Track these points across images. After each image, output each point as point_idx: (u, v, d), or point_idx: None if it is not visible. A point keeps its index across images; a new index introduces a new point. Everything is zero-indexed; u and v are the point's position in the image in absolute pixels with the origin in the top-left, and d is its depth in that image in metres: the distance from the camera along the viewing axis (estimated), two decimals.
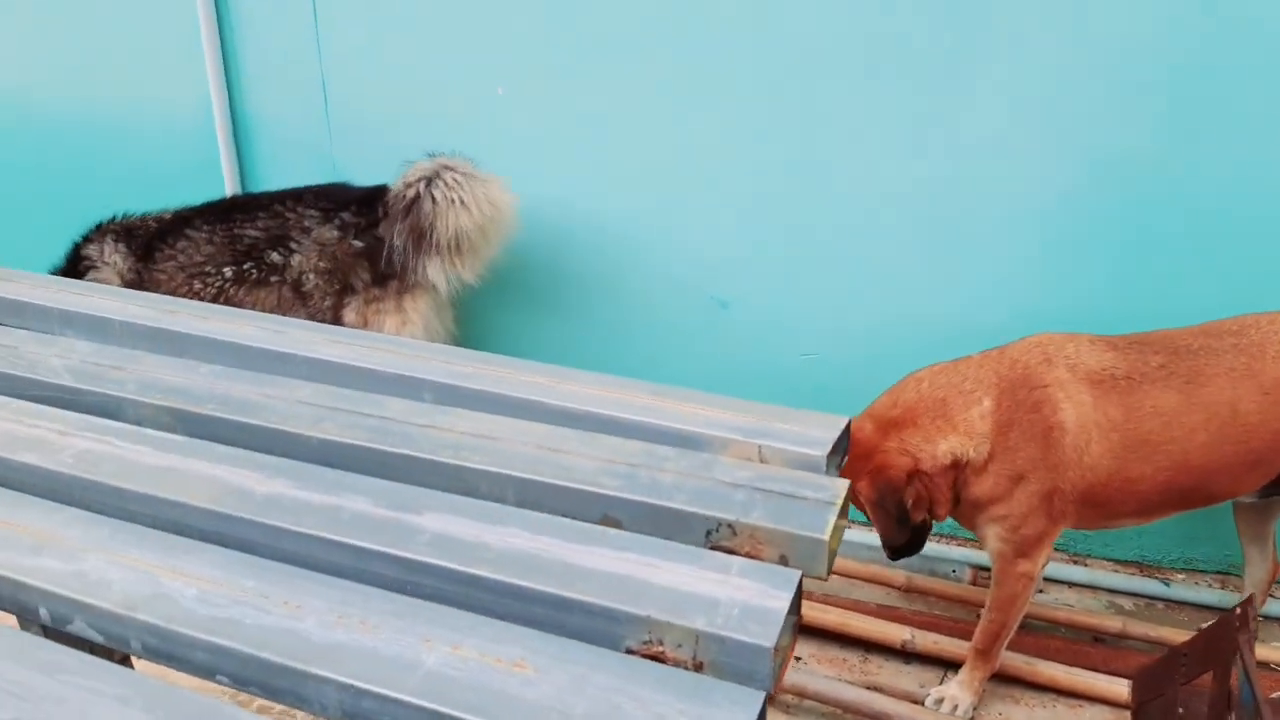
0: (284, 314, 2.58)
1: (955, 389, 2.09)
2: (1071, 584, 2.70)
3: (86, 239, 2.81)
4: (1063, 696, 2.27)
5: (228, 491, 1.07)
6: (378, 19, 2.91)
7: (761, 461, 1.17)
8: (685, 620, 0.90)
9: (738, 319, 2.85)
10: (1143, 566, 2.75)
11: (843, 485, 1.09)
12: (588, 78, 2.76)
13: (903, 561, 2.29)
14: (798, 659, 2.39)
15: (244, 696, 1.02)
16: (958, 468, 2.07)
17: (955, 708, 2.20)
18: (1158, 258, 2.46)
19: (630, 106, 2.75)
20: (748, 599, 0.93)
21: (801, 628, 1.40)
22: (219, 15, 3.03)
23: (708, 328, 2.89)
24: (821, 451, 1.16)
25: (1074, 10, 2.33)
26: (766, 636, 0.88)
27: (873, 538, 2.27)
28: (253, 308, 2.66)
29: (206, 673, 0.89)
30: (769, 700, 0.86)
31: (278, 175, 3.13)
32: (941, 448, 2.05)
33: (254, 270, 2.71)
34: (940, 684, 2.30)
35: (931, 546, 2.34)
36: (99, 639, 0.93)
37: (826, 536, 1.01)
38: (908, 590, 2.63)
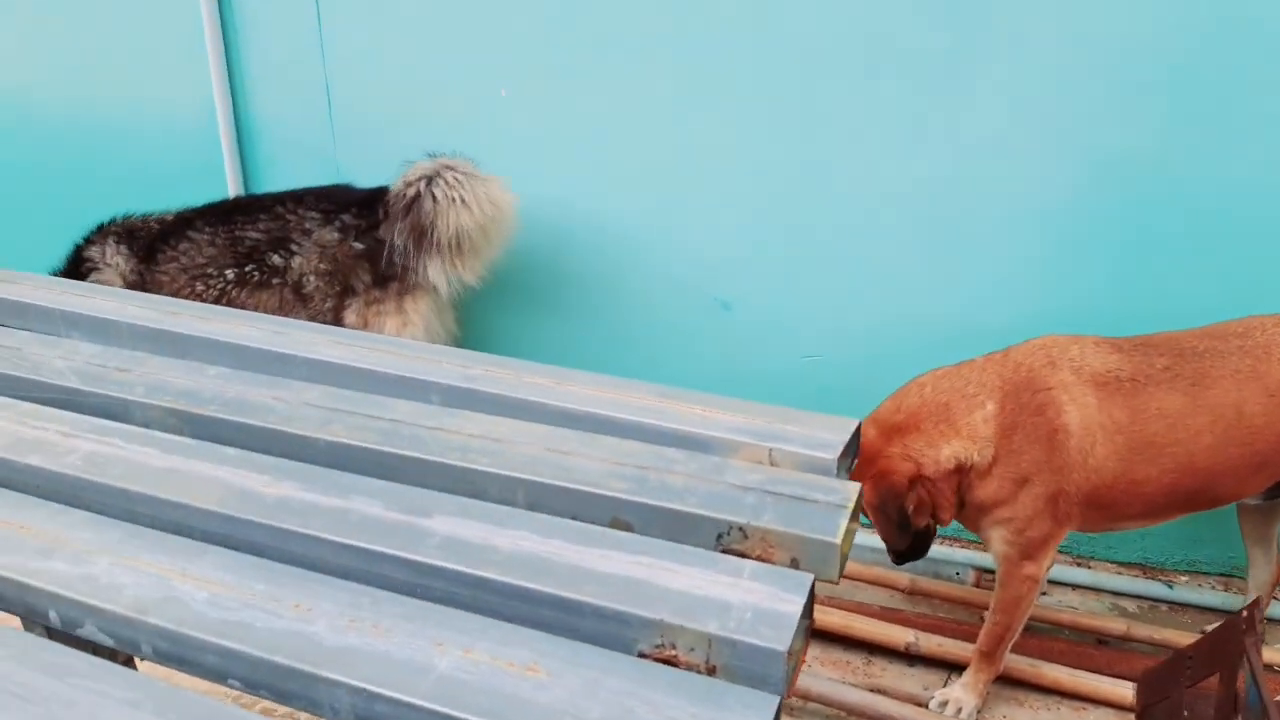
0: (285, 316, 2.58)
1: (958, 393, 2.08)
2: (1075, 586, 2.70)
3: (88, 240, 2.81)
4: (1067, 699, 2.27)
5: (235, 494, 1.07)
6: (380, 21, 2.91)
7: (772, 464, 1.16)
8: (698, 624, 0.90)
9: (739, 320, 2.85)
10: (1146, 569, 2.75)
11: (854, 488, 1.09)
12: (589, 78, 2.76)
13: (906, 564, 2.29)
14: None
15: (249, 699, 1.01)
16: (961, 472, 2.06)
17: (959, 710, 2.20)
18: (1160, 258, 2.46)
19: (631, 107, 2.75)
20: (760, 602, 0.92)
21: None
22: (222, 16, 3.03)
23: (709, 329, 2.88)
24: (832, 454, 1.15)
25: (1074, 10, 2.33)
26: (780, 640, 0.88)
27: (876, 540, 2.27)
28: (254, 310, 2.65)
29: (218, 676, 0.89)
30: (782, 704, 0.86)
31: (280, 176, 3.12)
32: (944, 452, 2.05)
33: (255, 272, 2.71)
34: (944, 686, 2.30)
35: (935, 549, 2.34)
36: (110, 643, 0.93)
37: (838, 540, 1.01)
38: (911, 592, 2.63)
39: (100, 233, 2.81)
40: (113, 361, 1.38)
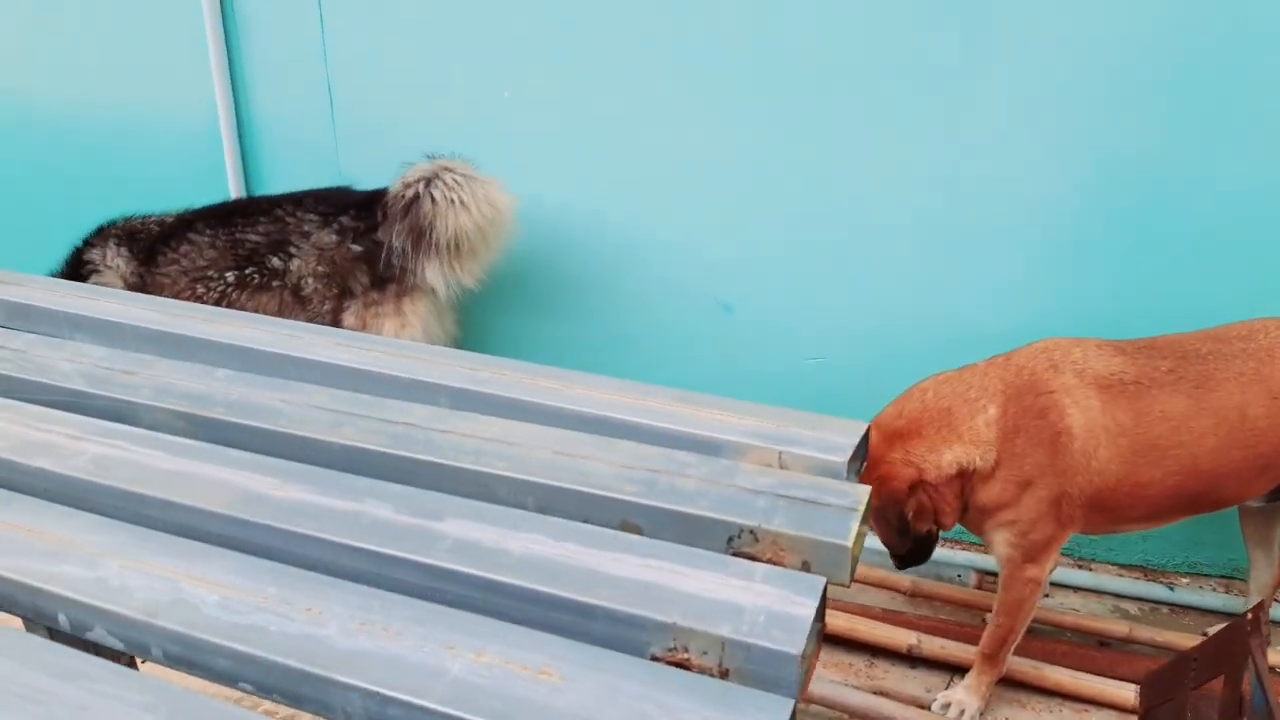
0: (285, 318, 2.58)
1: (960, 397, 2.08)
2: (1077, 589, 2.70)
3: (89, 243, 2.80)
4: (1069, 701, 2.27)
5: (245, 497, 1.06)
6: (382, 22, 2.90)
7: (782, 467, 1.16)
8: (710, 627, 0.90)
9: (741, 322, 2.85)
10: (1147, 571, 2.75)
11: (864, 491, 1.09)
12: (590, 80, 2.76)
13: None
14: None
15: (269, 705, 1.01)
16: (963, 477, 2.06)
17: (962, 713, 2.20)
18: (1163, 260, 2.46)
19: (632, 108, 2.74)
20: (772, 606, 0.92)
21: None
22: (224, 18, 3.02)
23: (710, 331, 2.88)
24: (842, 457, 1.15)
25: (1076, 11, 2.33)
26: (793, 644, 0.88)
27: (878, 543, 2.26)
28: (254, 312, 2.64)
29: (229, 680, 0.89)
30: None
31: (282, 178, 3.12)
32: (946, 458, 2.05)
33: (255, 275, 2.71)
34: (946, 689, 2.30)
35: (937, 551, 2.33)
36: (119, 646, 0.92)
37: (849, 543, 1.01)
38: (914, 595, 2.63)
39: (101, 235, 2.81)
40: (119, 364, 1.38)
